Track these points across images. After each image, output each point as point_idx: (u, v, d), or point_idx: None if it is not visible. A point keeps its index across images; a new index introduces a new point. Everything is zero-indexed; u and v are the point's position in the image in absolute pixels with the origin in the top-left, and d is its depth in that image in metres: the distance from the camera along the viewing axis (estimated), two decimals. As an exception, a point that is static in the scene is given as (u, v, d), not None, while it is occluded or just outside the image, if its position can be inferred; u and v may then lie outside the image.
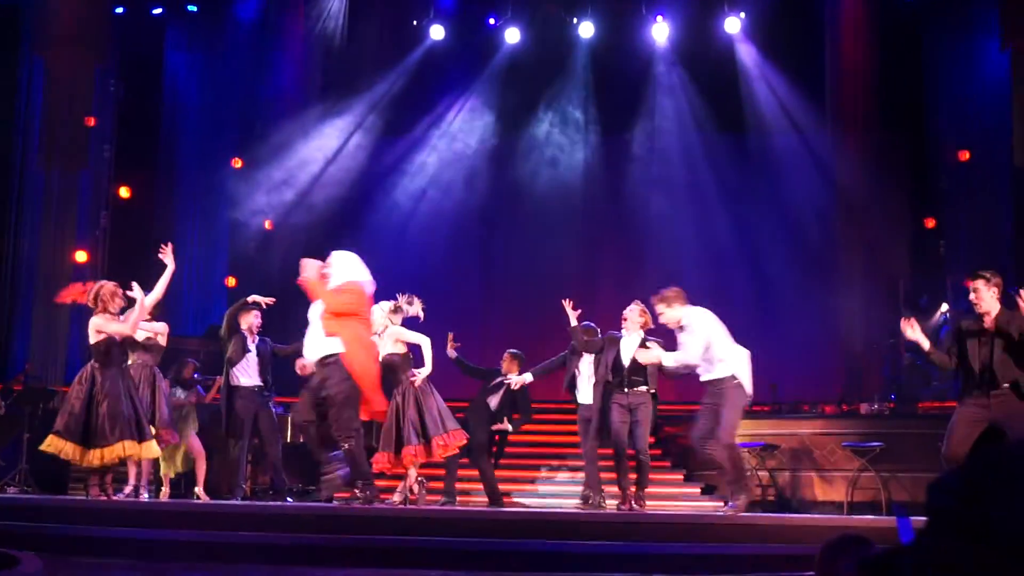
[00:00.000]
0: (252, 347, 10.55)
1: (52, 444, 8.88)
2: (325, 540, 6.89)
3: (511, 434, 10.87)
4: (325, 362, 8.51)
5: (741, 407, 8.88)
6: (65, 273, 13.97)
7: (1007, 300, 7.78)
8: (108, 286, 8.99)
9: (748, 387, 8.82)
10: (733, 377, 8.78)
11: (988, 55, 14.06)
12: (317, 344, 8.61)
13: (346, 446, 8.54)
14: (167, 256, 9.26)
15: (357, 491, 8.72)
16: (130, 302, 9.03)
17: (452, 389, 10.93)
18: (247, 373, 10.50)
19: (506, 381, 10.55)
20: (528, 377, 10.45)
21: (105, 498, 8.96)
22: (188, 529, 7.19)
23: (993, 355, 7.64)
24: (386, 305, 9.68)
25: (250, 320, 10.58)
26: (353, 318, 8.57)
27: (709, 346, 8.82)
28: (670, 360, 9.02)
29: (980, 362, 7.74)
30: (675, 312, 8.98)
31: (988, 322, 7.71)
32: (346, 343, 8.45)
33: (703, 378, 8.93)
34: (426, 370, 9.58)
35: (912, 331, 8.22)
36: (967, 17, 14.39)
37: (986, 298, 7.74)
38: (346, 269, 8.77)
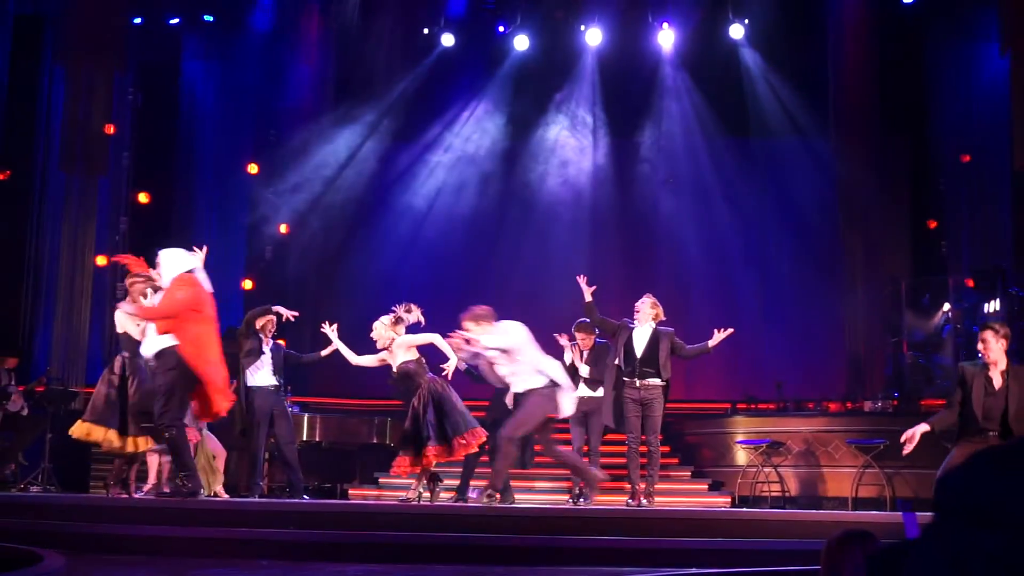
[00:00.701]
0: (266, 348, 10.70)
1: (80, 428, 8.90)
2: (341, 537, 7.02)
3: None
4: (158, 356, 8.39)
5: (542, 413, 9.08)
6: (85, 277, 14.23)
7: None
8: (143, 285, 8.95)
9: (561, 399, 9.05)
10: (549, 383, 9.04)
11: (988, 59, 14.21)
12: (152, 340, 8.49)
13: (167, 435, 8.39)
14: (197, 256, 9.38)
15: (179, 483, 8.56)
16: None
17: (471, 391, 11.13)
18: (262, 373, 10.64)
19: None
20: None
21: (127, 496, 9.08)
22: (207, 527, 7.36)
23: (1008, 409, 7.80)
24: (386, 319, 9.85)
25: (264, 324, 10.73)
26: (191, 316, 8.31)
27: (521, 355, 9.07)
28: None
29: (984, 410, 7.92)
30: (483, 329, 9.19)
31: (997, 378, 7.91)
32: (183, 342, 8.25)
33: (516, 390, 9.25)
34: (453, 359, 9.78)
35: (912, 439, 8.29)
36: (967, 22, 14.51)
37: (994, 349, 7.93)
38: (173, 266, 8.48)
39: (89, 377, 13.86)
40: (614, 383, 10.05)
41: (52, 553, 5.68)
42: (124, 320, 9.01)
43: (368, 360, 10.10)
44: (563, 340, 10.91)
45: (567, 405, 9.29)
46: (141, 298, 8.98)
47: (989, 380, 8.00)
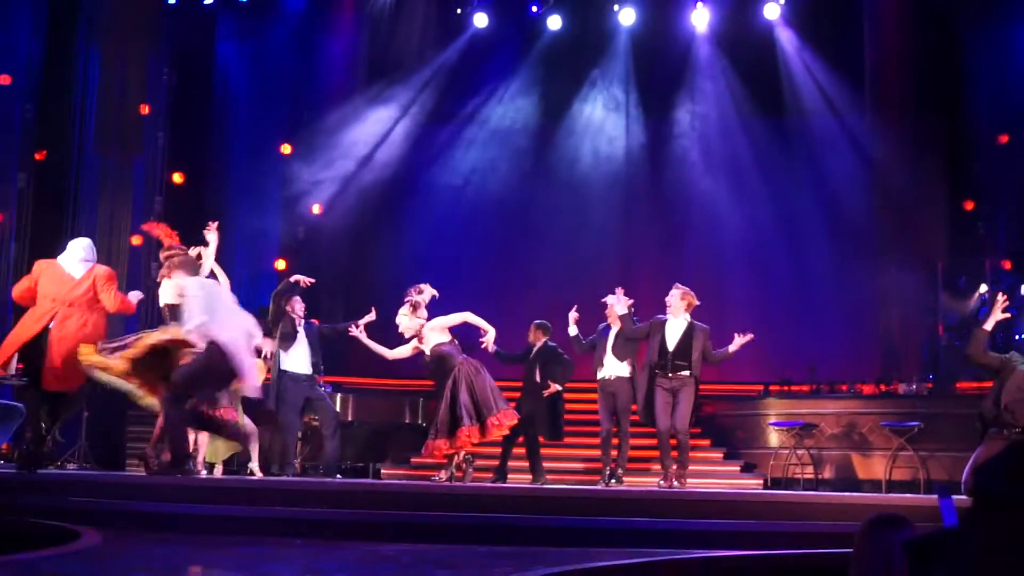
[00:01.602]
0: (300, 329, 10.75)
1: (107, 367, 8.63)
2: (374, 516, 7.06)
3: (564, 392, 11.06)
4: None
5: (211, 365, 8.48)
6: (122, 257, 14.32)
7: None
8: (181, 257, 8.90)
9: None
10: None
11: (1025, 40, 14.07)
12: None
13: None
14: (211, 232, 9.41)
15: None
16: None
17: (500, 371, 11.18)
18: (297, 356, 10.68)
19: (538, 347, 10.87)
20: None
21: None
22: (241, 504, 7.41)
23: None
24: (404, 310, 9.90)
25: (294, 305, 10.73)
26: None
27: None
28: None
29: (1010, 403, 7.95)
30: (177, 280, 8.75)
31: None
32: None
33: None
34: (491, 332, 9.84)
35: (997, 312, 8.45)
36: (1004, 2, 14.37)
37: None
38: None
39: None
40: (648, 378, 10.02)
41: (89, 530, 5.73)
42: (167, 293, 9.02)
43: (402, 352, 10.15)
44: (572, 314, 10.87)
45: None
46: (182, 272, 8.95)
47: None
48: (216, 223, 9.51)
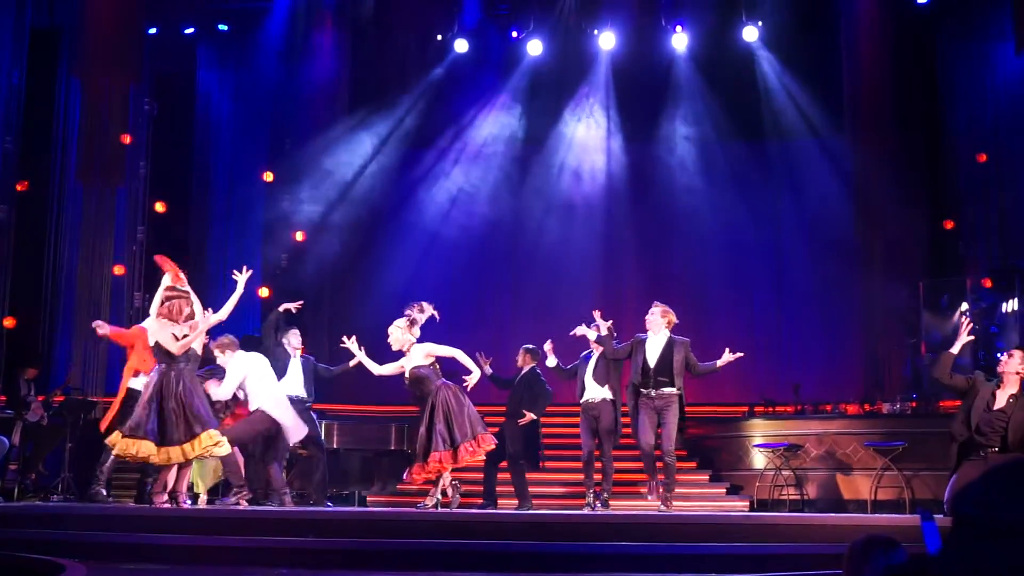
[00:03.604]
0: (294, 363, 10.83)
1: (129, 446, 8.73)
2: (359, 544, 7.06)
3: (544, 426, 11.11)
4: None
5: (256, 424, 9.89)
6: (104, 287, 14.29)
7: None
8: (182, 303, 8.97)
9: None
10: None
11: (1003, 58, 14.18)
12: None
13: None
14: (241, 280, 9.35)
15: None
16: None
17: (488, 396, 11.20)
18: (289, 384, 10.73)
19: (524, 371, 10.93)
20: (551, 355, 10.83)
21: (174, 506, 8.94)
22: (226, 535, 7.38)
23: (1008, 434, 7.98)
24: (401, 322, 9.89)
25: (290, 338, 10.85)
26: None
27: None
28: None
29: (978, 423, 8.06)
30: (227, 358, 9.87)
31: (1002, 399, 8.05)
32: None
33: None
34: (476, 373, 9.87)
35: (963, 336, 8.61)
36: (981, 21, 14.49)
37: (1013, 368, 8.08)
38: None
39: (108, 386, 13.94)
40: (632, 396, 10.02)
41: (73, 563, 5.71)
42: (157, 331, 8.96)
43: (390, 369, 10.13)
44: (548, 345, 10.92)
45: None
46: (180, 317, 8.94)
47: (993, 397, 8.12)
48: (247, 271, 9.45)
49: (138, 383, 9.74)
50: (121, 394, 10.16)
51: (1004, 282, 13.57)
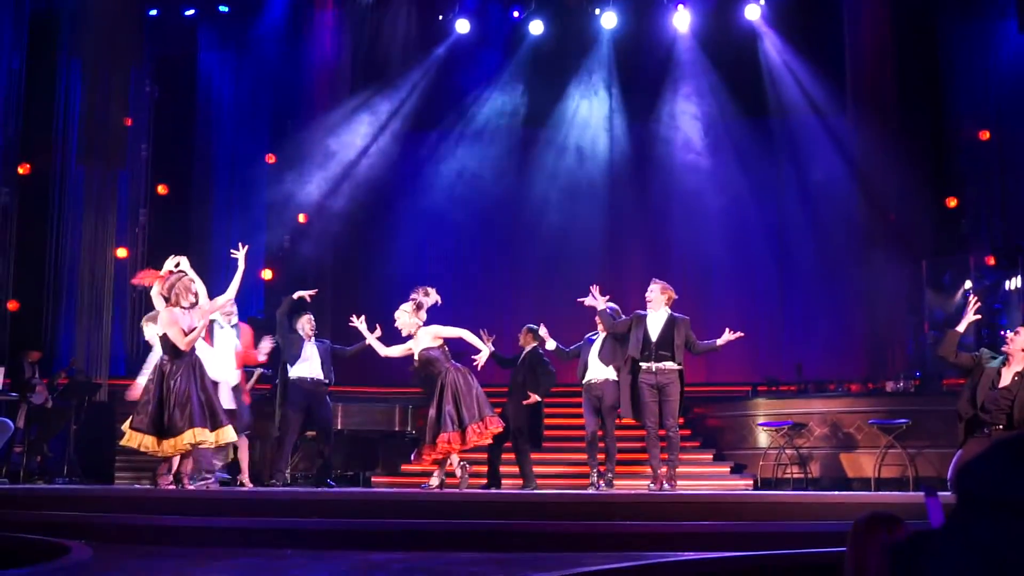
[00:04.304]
0: (309, 347, 10.87)
1: (131, 438, 8.78)
2: (364, 524, 7.07)
3: (545, 407, 11.14)
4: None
5: None
6: (107, 270, 14.31)
7: None
8: (185, 281, 8.92)
9: None
10: None
11: (1005, 36, 14.15)
12: None
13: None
14: (240, 256, 9.36)
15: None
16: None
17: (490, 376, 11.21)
18: (305, 366, 10.81)
19: (527, 351, 10.94)
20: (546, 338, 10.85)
21: (179, 488, 8.89)
22: (231, 516, 7.40)
23: (1014, 411, 8.00)
24: (407, 306, 9.90)
25: (303, 324, 10.89)
26: None
27: None
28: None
29: (984, 401, 8.09)
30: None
31: (1007, 377, 8.08)
32: None
33: None
34: (485, 352, 9.89)
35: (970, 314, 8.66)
36: (983, 0, 14.48)
37: (1020, 346, 8.10)
38: None
39: (112, 369, 13.99)
40: (630, 371, 10.02)
41: (79, 544, 5.71)
42: (168, 324, 8.90)
43: (397, 351, 10.15)
44: (543, 330, 10.93)
45: None
46: (190, 295, 8.93)
47: (999, 375, 8.13)
48: (244, 247, 9.45)
49: None
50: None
51: (1007, 260, 13.56)
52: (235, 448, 11.08)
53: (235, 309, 10.26)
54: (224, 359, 10.07)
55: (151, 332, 9.26)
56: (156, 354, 9.11)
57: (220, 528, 6.91)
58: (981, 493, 1.58)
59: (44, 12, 14.66)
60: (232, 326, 10.28)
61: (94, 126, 14.22)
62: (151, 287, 9.14)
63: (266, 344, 10.58)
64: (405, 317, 9.86)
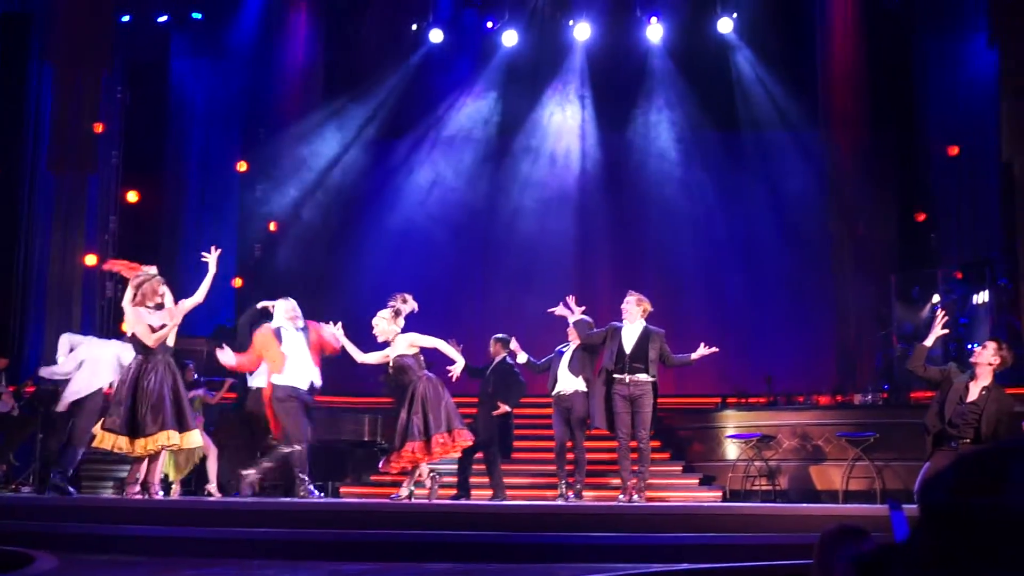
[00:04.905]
0: None
1: (104, 439, 8.77)
2: (333, 535, 7.05)
3: (515, 417, 11.15)
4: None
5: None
6: (76, 277, 14.21)
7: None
8: (153, 282, 8.94)
9: None
10: None
11: (975, 52, 14.27)
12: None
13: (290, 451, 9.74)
14: (211, 259, 9.33)
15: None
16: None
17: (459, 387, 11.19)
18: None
19: (496, 361, 10.96)
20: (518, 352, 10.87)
21: (146, 497, 8.89)
22: (199, 526, 7.35)
23: (981, 426, 8.08)
24: (386, 313, 9.88)
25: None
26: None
27: None
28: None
29: (951, 415, 8.16)
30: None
31: (974, 392, 8.15)
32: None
33: None
34: (459, 363, 9.88)
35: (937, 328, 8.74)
36: (953, 16, 14.60)
37: (986, 359, 8.16)
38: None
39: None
40: (604, 382, 10.03)
41: (44, 554, 5.67)
42: (134, 322, 8.90)
43: (374, 357, 10.12)
44: (514, 344, 10.96)
45: None
46: (156, 297, 8.94)
47: (966, 389, 8.20)
48: (215, 250, 9.40)
49: (287, 379, 9.85)
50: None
51: (975, 274, 13.67)
52: (203, 457, 11.06)
53: (299, 312, 10.19)
54: (301, 362, 10.04)
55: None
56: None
57: (188, 538, 6.87)
58: (943, 507, 1.59)
59: (15, 16, 14.58)
60: (300, 329, 10.21)
61: (64, 132, 14.13)
62: (120, 274, 9.17)
63: (336, 329, 10.50)
64: (383, 324, 9.84)
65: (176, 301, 9.15)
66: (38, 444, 12.04)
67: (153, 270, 9.17)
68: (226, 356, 9.95)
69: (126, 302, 9.07)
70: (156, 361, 8.82)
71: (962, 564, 1.52)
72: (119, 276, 9.72)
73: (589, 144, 16.15)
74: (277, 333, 9.84)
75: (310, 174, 15.56)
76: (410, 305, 9.98)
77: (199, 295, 9.22)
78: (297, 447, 9.73)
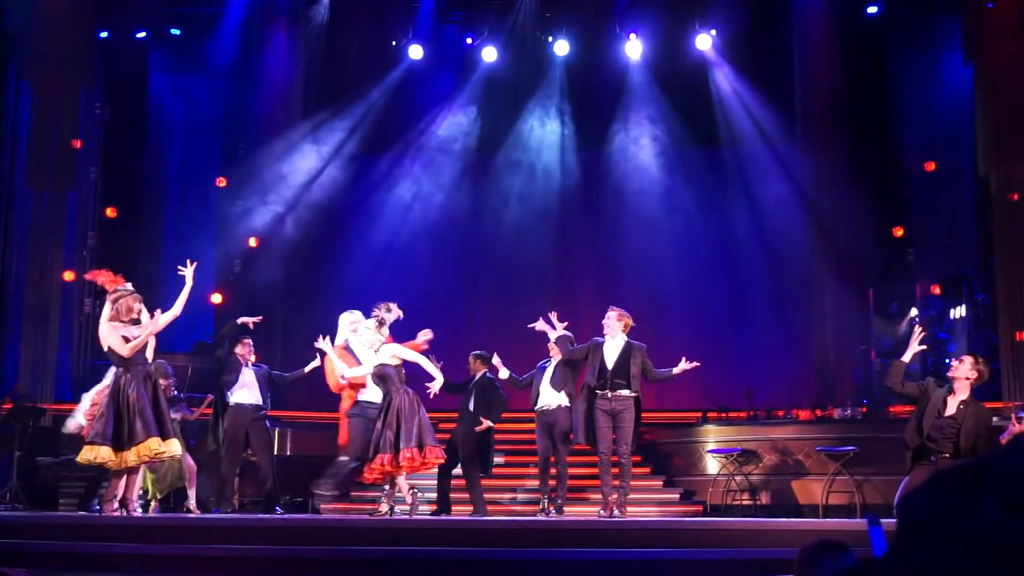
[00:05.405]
0: (246, 372, 10.84)
1: (87, 451, 8.75)
2: (313, 552, 7.04)
3: (496, 432, 11.17)
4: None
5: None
6: (54, 293, 14.13)
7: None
8: (129, 299, 8.99)
9: None
10: None
11: (951, 69, 14.39)
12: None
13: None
14: (188, 273, 9.36)
15: None
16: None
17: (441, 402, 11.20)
18: (243, 392, 10.79)
19: (477, 377, 10.98)
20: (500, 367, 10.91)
21: (125, 514, 8.82)
22: (178, 544, 7.33)
23: (960, 440, 8.12)
24: (370, 323, 9.88)
25: (242, 349, 10.88)
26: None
27: None
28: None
29: (929, 429, 8.20)
30: None
31: (952, 406, 8.20)
32: None
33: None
34: (439, 380, 9.88)
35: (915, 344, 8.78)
36: (930, 32, 14.70)
37: (963, 373, 8.21)
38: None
39: (57, 394, 13.79)
40: (586, 398, 10.04)
41: (21, 572, 5.63)
42: (108, 335, 8.92)
43: (359, 372, 10.11)
44: (496, 359, 11.00)
45: None
46: (132, 313, 8.98)
47: (944, 404, 8.24)
48: (192, 264, 9.41)
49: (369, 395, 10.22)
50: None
51: (953, 289, 13.76)
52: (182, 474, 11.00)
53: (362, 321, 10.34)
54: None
55: None
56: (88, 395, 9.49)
57: (166, 556, 6.85)
58: (921, 522, 1.56)
59: (-7, 34, 14.53)
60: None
61: (43, 147, 14.07)
62: (102, 286, 9.20)
63: (427, 333, 10.51)
64: (368, 333, 9.84)
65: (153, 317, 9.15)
66: (15, 461, 11.96)
67: (129, 286, 9.17)
68: (349, 371, 10.21)
69: (103, 317, 9.10)
70: (135, 371, 8.85)
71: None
72: (99, 290, 9.68)
73: (569, 159, 16.17)
74: (348, 349, 10.06)
75: (290, 189, 15.52)
76: (394, 313, 10.00)
77: (176, 308, 9.23)
78: (355, 463, 10.00)
